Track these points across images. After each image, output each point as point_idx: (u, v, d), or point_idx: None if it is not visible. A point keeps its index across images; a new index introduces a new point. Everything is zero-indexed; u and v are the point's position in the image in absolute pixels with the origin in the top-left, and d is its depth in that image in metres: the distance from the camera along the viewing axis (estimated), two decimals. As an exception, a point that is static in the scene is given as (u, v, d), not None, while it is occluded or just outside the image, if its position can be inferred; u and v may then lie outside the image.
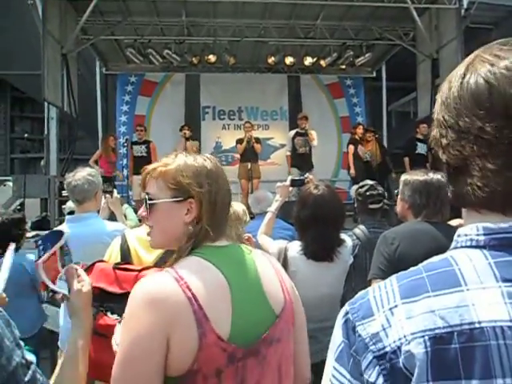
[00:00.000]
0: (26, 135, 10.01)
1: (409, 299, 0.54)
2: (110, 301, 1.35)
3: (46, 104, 7.12)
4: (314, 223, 2.11)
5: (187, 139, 7.69)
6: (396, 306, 0.54)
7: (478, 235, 0.55)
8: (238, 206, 2.56)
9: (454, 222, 2.00)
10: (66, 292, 1.12)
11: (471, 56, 0.59)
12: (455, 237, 0.60)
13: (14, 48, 9.26)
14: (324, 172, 8.68)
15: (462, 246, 0.57)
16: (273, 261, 1.17)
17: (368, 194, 2.60)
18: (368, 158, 7.53)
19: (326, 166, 9.05)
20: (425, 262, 0.59)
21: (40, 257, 1.10)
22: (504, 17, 8.79)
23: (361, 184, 2.73)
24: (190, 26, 8.35)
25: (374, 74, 10.30)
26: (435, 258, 0.58)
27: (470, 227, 0.57)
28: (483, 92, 0.54)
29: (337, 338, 0.59)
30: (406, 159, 7.36)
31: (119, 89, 9.70)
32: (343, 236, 2.24)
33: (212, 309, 0.93)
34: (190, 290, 0.94)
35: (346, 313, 0.59)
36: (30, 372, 0.84)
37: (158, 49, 8.46)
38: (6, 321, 0.85)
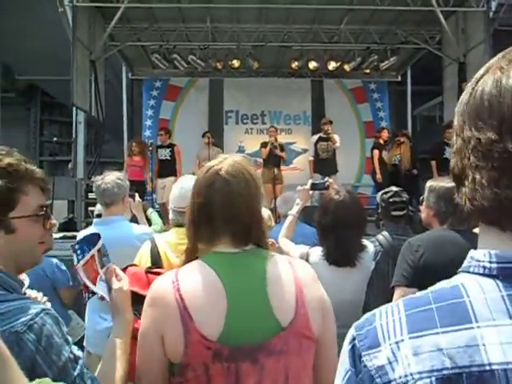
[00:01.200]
0: (54, 139, 10.32)
1: (416, 334, 0.52)
2: (143, 304, 1.39)
3: (74, 109, 7.31)
4: (336, 229, 2.11)
5: (209, 145, 7.76)
6: (403, 341, 0.52)
7: (490, 263, 0.53)
8: (265, 212, 2.59)
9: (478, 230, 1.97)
10: (106, 292, 1.16)
11: (494, 59, 0.57)
12: (468, 258, 0.57)
13: (43, 54, 9.55)
14: (347, 177, 8.61)
15: (473, 272, 0.54)
16: (299, 271, 1.13)
17: (391, 200, 2.58)
18: (397, 161, 7.39)
19: (348, 171, 8.98)
20: (435, 288, 0.56)
21: (79, 260, 1.14)
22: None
23: (385, 190, 2.71)
24: (214, 32, 8.45)
25: (399, 78, 10.18)
26: (446, 284, 0.56)
27: (481, 252, 0.54)
28: (484, 102, 0.54)
29: (344, 363, 0.58)
30: (433, 163, 7.21)
31: (145, 93, 9.88)
32: (365, 242, 2.23)
33: (199, 310, 1.03)
34: (179, 291, 1.05)
35: (353, 338, 0.57)
36: (79, 366, 0.89)
37: (182, 54, 8.59)
38: (54, 318, 0.90)
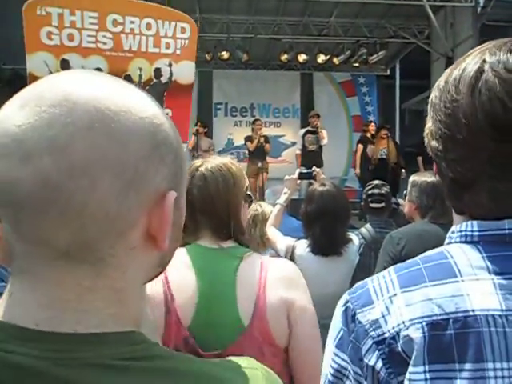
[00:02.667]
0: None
1: (407, 288, 0.57)
2: None
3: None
4: (321, 217, 2.14)
5: (197, 135, 7.70)
6: (395, 295, 0.57)
7: (472, 231, 0.58)
8: (266, 207, 2.60)
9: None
10: None
11: (480, 57, 0.58)
12: (449, 233, 0.62)
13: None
14: (334, 170, 8.65)
15: (456, 242, 0.60)
16: (270, 273, 1.10)
17: (370, 193, 2.62)
18: (384, 155, 7.46)
19: (336, 164, 9.03)
20: (421, 255, 0.62)
21: None
22: (522, 15, 8.66)
23: (368, 183, 2.75)
24: (203, 23, 8.38)
25: (388, 72, 10.23)
26: (431, 252, 0.61)
27: (464, 224, 0.60)
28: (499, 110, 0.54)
29: (336, 325, 0.61)
30: (420, 158, 7.29)
31: (133, 85, 9.78)
32: (351, 235, 2.26)
33: (179, 294, 1.06)
34: (164, 272, 1.05)
35: (346, 301, 0.61)
36: None
37: (171, 45, 8.52)
38: None
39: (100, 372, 0.38)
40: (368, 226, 2.54)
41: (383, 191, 2.67)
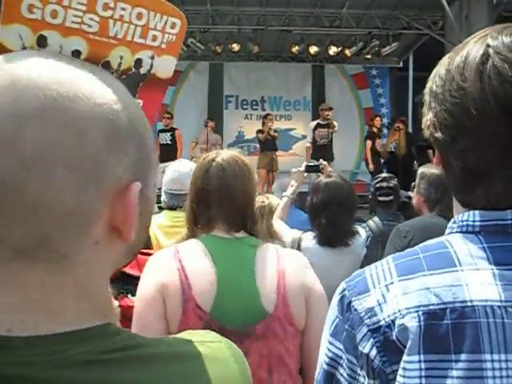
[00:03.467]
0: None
1: (405, 277, 0.56)
2: (130, 283, 1.45)
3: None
4: (327, 207, 2.14)
5: (207, 130, 7.79)
6: (392, 283, 0.56)
7: (474, 221, 0.57)
8: (273, 199, 2.61)
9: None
10: None
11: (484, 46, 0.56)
12: (450, 223, 0.61)
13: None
14: (346, 164, 8.60)
15: (457, 232, 0.59)
16: (285, 260, 1.16)
17: (378, 186, 2.61)
18: (393, 148, 7.41)
19: (347, 157, 8.98)
20: (421, 244, 0.61)
21: None
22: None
23: (376, 176, 2.73)
24: (214, 15, 8.35)
25: (401, 64, 10.09)
26: (431, 241, 0.60)
27: (466, 214, 0.59)
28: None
29: (332, 314, 0.61)
30: (430, 151, 7.21)
31: (144, 77, 9.81)
32: (358, 228, 2.25)
33: (196, 282, 1.08)
34: (180, 261, 1.10)
35: (343, 290, 0.61)
36: None
37: (182, 37, 8.51)
38: None
39: (90, 368, 0.37)
40: (376, 218, 2.53)
41: (391, 184, 2.65)
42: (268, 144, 7.57)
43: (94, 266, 0.42)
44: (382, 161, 7.56)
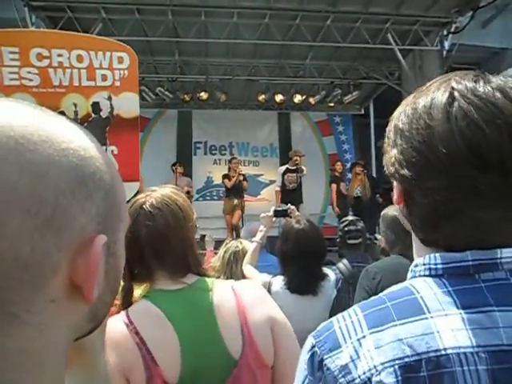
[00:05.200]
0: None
1: (376, 329, 0.54)
2: None
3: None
4: (297, 257, 2.14)
5: (176, 175, 7.82)
6: (364, 337, 0.54)
7: (436, 264, 0.57)
8: (247, 244, 2.59)
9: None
10: None
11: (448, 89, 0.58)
12: (412, 267, 0.61)
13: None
14: (313, 207, 8.72)
15: (420, 275, 0.59)
16: (243, 295, 1.07)
17: (346, 229, 2.65)
18: (359, 193, 7.61)
19: (315, 201, 9.12)
20: (386, 292, 0.60)
21: None
22: (486, 57, 9.16)
23: (342, 219, 2.79)
24: (182, 65, 8.58)
25: (363, 112, 10.55)
26: (395, 287, 0.59)
27: (427, 257, 0.59)
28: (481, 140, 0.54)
29: (300, 374, 0.58)
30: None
31: (112, 124, 9.82)
32: (326, 270, 2.26)
33: (160, 353, 0.96)
34: (138, 334, 0.97)
35: (312, 346, 0.57)
36: None
37: (150, 86, 8.64)
38: None
39: None
40: (345, 261, 2.55)
41: (359, 227, 2.70)
42: (234, 190, 7.64)
43: (48, 330, 0.36)
44: (348, 206, 7.74)
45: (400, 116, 0.62)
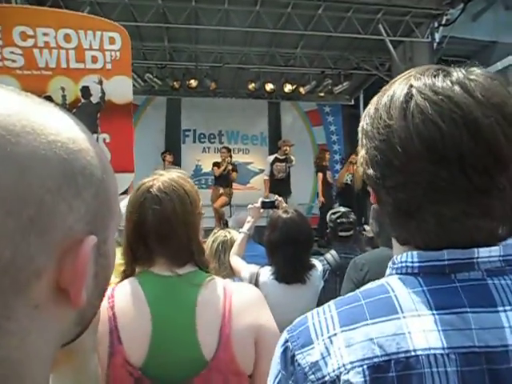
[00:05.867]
0: None
1: (347, 327, 0.54)
2: None
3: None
4: (285, 245, 2.14)
5: (164, 163, 7.79)
6: (335, 335, 0.54)
7: (412, 262, 0.57)
8: (235, 234, 2.59)
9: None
10: None
11: (408, 85, 0.58)
12: (390, 263, 0.60)
13: None
14: (301, 198, 8.76)
15: (397, 273, 0.58)
16: (234, 298, 1.03)
17: (339, 221, 2.65)
18: (349, 180, 7.64)
19: (303, 191, 9.15)
20: (362, 288, 0.59)
21: None
22: (476, 50, 9.20)
23: (333, 210, 2.79)
24: (172, 51, 8.46)
25: (352, 102, 10.56)
26: (373, 284, 0.59)
27: (405, 254, 0.58)
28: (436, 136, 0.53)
29: (274, 368, 0.58)
30: None
31: (99, 111, 9.69)
32: (314, 261, 2.27)
33: (128, 333, 0.95)
34: (112, 309, 0.98)
35: (286, 341, 0.57)
36: None
37: (139, 72, 8.52)
38: None
39: None
40: (333, 251, 2.56)
41: (351, 219, 2.71)
42: (222, 179, 7.63)
43: (31, 337, 0.33)
44: (334, 194, 7.77)
45: (365, 116, 0.63)
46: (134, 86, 8.62)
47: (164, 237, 1.04)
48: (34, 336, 0.34)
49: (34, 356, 0.34)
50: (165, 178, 1.08)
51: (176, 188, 1.06)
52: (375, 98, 0.63)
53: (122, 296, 1.00)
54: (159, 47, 8.27)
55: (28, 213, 0.31)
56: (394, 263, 0.60)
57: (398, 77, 0.62)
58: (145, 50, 8.38)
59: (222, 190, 7.55)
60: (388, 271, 0.60)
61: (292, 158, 7.55)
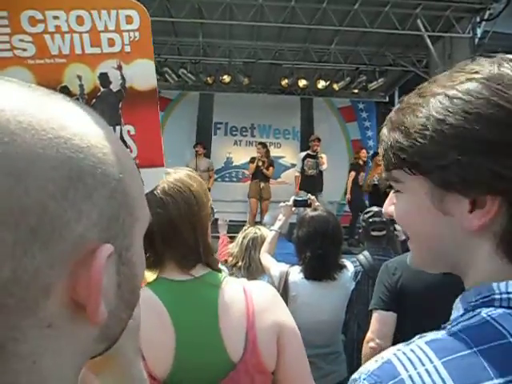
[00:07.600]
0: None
1: None
2: None
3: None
4: (312, 240, 2.15)
5: (196, 156, 7.87)
6: None
7: None
8: (265, 231, 2.61)
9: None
10: None
11: None
12: (483, 290, 0.48)
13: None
14: (333, 195, 8.66)
15: (502, 306, 0.46)
16: (254, 297, 1.01)
17: (371, 220, 2.60)
18: (376, 181, 7.52)
19: (335, 189, 9.04)
20: (461, 326, 0.46)
21: None
22: (519, 47, 8.83)
23: (367, 210, 2.74)
24: (205, 47, 8.52)
25: (387, 99, 10.34)
26: (474, 321, 0.46)
27: (511, 283, 0.47)
28: None
29: None
30: None
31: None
32: (345, 261, 2.25)
33: (149, 346, 0.88)
34: None
35: None
36: None
37: (173, 68, 8.62)
38: None
39: None
40: (366, 253, 2.52)
41: (384, 218, 2.65)
42: (260, 174, 7.65)
43: (43, 360, 0.30)
44: (364, 193, 7.68)
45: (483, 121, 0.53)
46: (167, 80, 8.80)
47: (170, 240, 1.00)
48: (49, 358, 0.31)
49: (53, 378, 0.31)
50: (171, 178, 1.03)
51: (181, 189, 1.01)
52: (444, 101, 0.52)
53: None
54: (193, 43, 8.33)
55: (28, 223, 0.28)
56: (489, 290, 0.48)
57: (465, 65, 0.55)
58: (179, 45, 8.46)
59: (262, 185, 7.55)
60: (474, 298, 0.49)
61: (324, 157, 7.41)
